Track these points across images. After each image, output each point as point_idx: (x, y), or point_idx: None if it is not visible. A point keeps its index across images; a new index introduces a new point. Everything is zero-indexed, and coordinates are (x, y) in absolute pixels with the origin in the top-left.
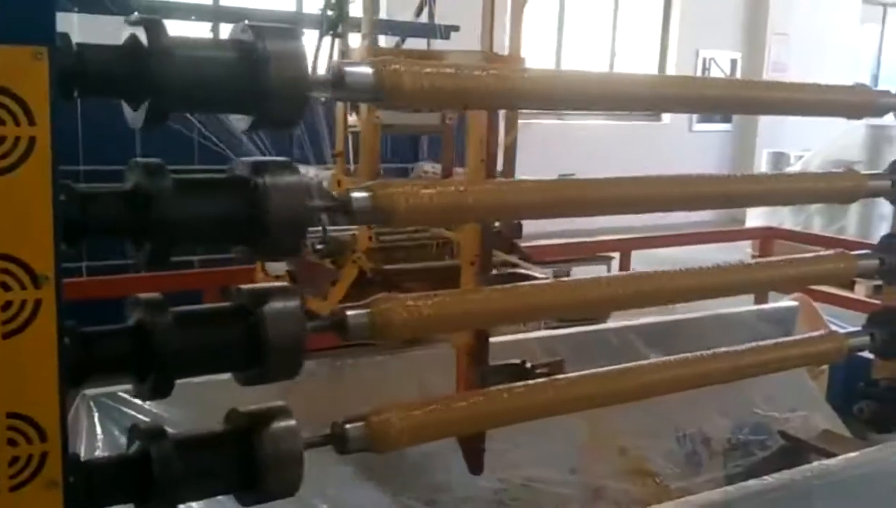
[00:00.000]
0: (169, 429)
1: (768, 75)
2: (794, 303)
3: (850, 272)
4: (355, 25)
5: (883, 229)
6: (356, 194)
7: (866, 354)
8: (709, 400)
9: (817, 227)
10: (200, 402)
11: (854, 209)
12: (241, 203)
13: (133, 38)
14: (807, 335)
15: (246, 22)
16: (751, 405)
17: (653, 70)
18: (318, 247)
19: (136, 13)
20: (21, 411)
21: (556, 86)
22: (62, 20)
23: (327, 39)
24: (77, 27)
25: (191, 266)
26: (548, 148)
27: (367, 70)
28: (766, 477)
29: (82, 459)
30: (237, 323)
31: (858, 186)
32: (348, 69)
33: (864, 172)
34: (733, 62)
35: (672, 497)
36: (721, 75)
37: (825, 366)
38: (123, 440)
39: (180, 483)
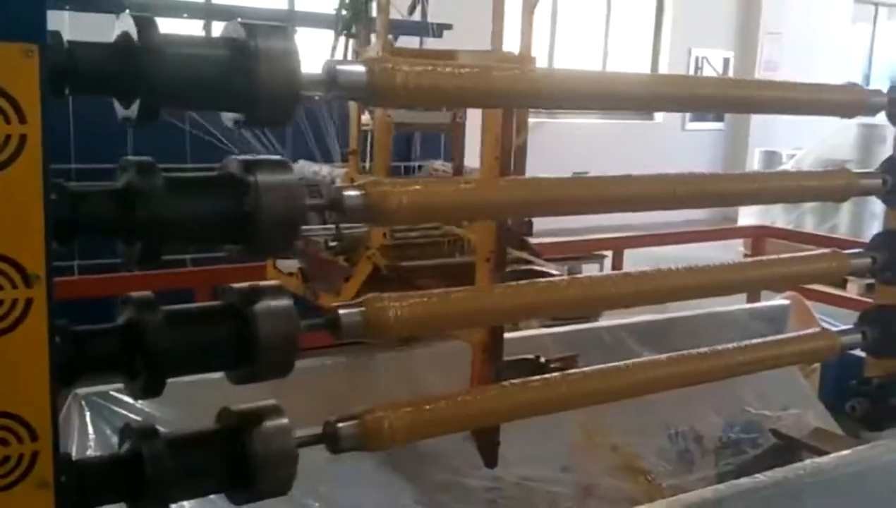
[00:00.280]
0: (161, 428)
1: (760, 74)
2: (787, 302)
3: (842, 270)
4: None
5: (875, 228)
6: (348, 193)
7: (859, 352)
8: (701, 398)
9: (809, 226)
10: (193, 401)
11: (846, 208)
12: (233, 201)
13: (124, 36)
14: (799, 333)
15: (238, 20)
16: (743, 403)
17: (645, 69)
18: (332, 244)
19: (127, 10)
20: (12, 410)
21: (552, 84)
22: (54, 18)
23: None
24: (68, 25)
25: (183, 265)
26: (539, 146)
27: (360, 69)
28: (757, 475)
29: (74, 458)
30: (228, 321)
31: (850, 185)
32: (341, 68)
33: (855, 171)
34: (726, 61)
35: (664, 495)
36: (713, 74)
37: (817, 365)
38: (115, 439)
39: (172, 482)
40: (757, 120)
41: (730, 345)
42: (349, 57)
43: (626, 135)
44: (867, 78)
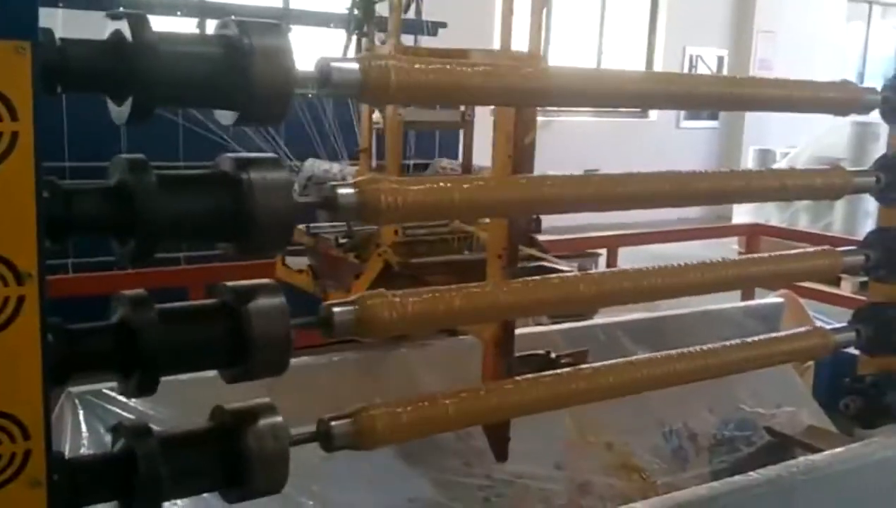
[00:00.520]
0: (155, 427)
1: (755, 72)
2: (780, 300)
3: (836, 268)
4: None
5: (868, 225)
6: (342, 191)
7: (852, 350)
8: (695, 395)
9: (803, 224)
10: (188, 399)
11: (840, 206)
12: (226, 199)
13: (117, 34)
14: (793, 331)
15: (232, 17)
16: (737, 401)
17: (640, 67)
18: (342, 241)
19: (120, 8)
20: (4, 409)
21: (546, 82)
22: (47, 16)
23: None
24: (61, 22)
25: (177, 263)
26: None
27: (354, 66)
28: (751, 473)
29: (67, 457)
30: (222, 320)
31: (844, 183)
32: (335, 65)
33: (849, 169)
34: (720, 59)
35: (658, 493)
36: (708, 73)
37: (811, 362)
38: (109, 438)
39: (165, 480)
40: (751, 118)
41: (724, 343)
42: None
43: (620, 133)
44: (861, 76)
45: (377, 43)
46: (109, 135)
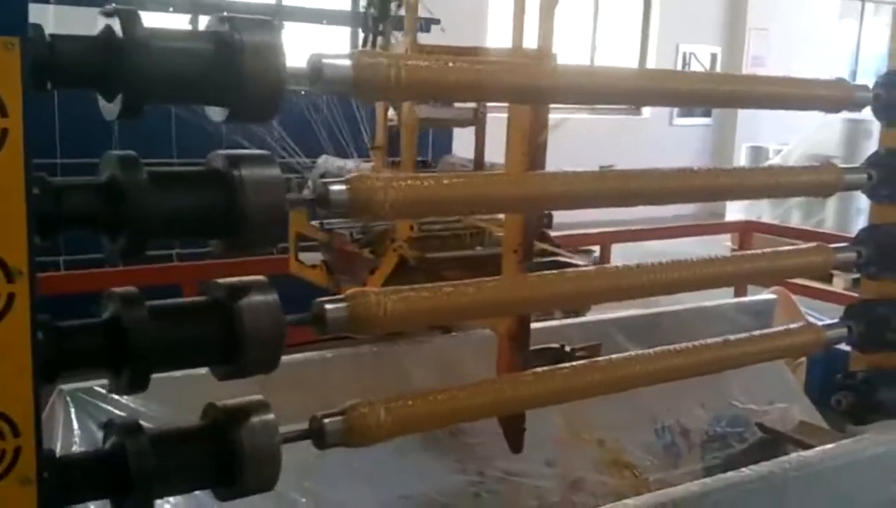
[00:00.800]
0: (147, 424)
1: (748, 70)
2: (773, 296)
3: (828, 265)
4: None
5: (860, 222)
6: (334, 187)
7: (844, 346)
8: (687, 392)
9: (796, 221)
10: (180, 397)
11: (832, 203)
12: (217, 196)
13: (107, 30)
14: (785, 327)
15: (223, 14)
16: (729, 397)
17: (633, 64)
18: (358, 236)
19: (112, 4)
20: None
21: (540, 79)
22: (39, 12)
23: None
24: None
25: (170, 260)
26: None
27: (346, 63)
28: (743, 469)
29: (58, 455)
30: (214, 317)
31: (836, 180)
32: (327, 61)
33: (841, 166)
34: (713, 57)
35: (650, 489)
36: (701, 70)
37: (803, 359)
38: (100, 435)
39: (156, 478)
40: (744, 115)
41: (716, 339)
42: None
43: (614, 130)
44: (854, 74)
45: (393, 41)
46: (102, 133)
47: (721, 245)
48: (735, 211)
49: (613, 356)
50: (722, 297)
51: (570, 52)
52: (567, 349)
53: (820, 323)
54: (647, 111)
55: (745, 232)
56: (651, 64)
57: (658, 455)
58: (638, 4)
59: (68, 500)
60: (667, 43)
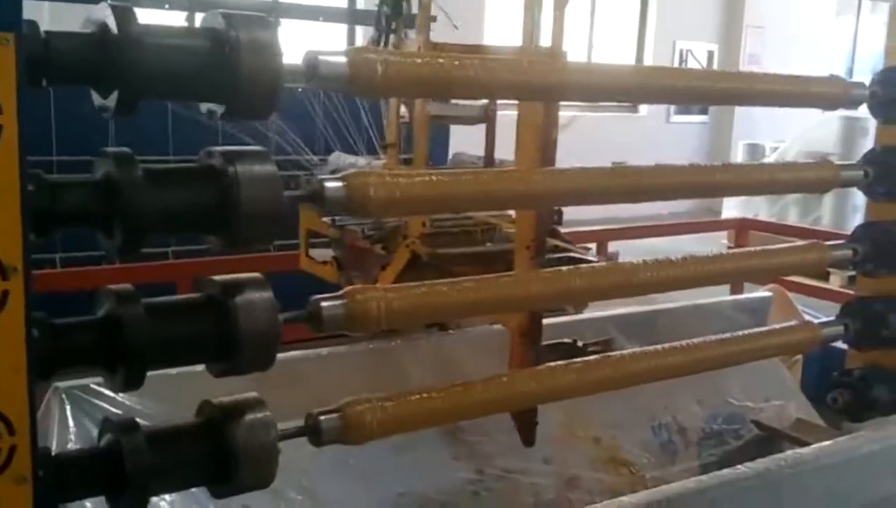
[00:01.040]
0: (143, 421)
1: (744, 67)
2: (769, 294)
3: (824, 262)
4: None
5: (857, 220)
6: (329, 184)
7: (840, 344)
8: (684, 389)
9: (793, 218)
10: (176, 394)
11: (828, 200)
12: (212, 192)
13: (102, 26)
14: (781, 325)
15: (219, 10)
16: (725, 394)
17: (630, 61)
18: (370, 233)
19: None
20: None
21: (535, 76)
22: (34, 9)
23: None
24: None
25: (165, 257)
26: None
27: (341, 59)
28: (739, 466)
29: (54, 452)
30: (209, 314)
31: (832, 177)
32: (323, 58)
33: (837, 163)
34: (710, 54)
35: (647, 486)
36: (697, 67)
37: (800, 356)
38: (96, 432)
39: (152, 475)
40: (741, 112)
41: (712, 337)
42: None
43: (611, 127)
44: (850, 71)
45: (406, 39)
46: (99, 130)
47: (717, 242)
48: (731, 208)
49: (625, 351)
50: (717, 295)
51: (567, 49)
52: (579, 344)
53: (816, 321)
54: (643, 108)
55: (742, 229)
56: (648, 61)
57: (655, 452)
58: (635, 1)
59: (64, 498)
60: (663, 40)
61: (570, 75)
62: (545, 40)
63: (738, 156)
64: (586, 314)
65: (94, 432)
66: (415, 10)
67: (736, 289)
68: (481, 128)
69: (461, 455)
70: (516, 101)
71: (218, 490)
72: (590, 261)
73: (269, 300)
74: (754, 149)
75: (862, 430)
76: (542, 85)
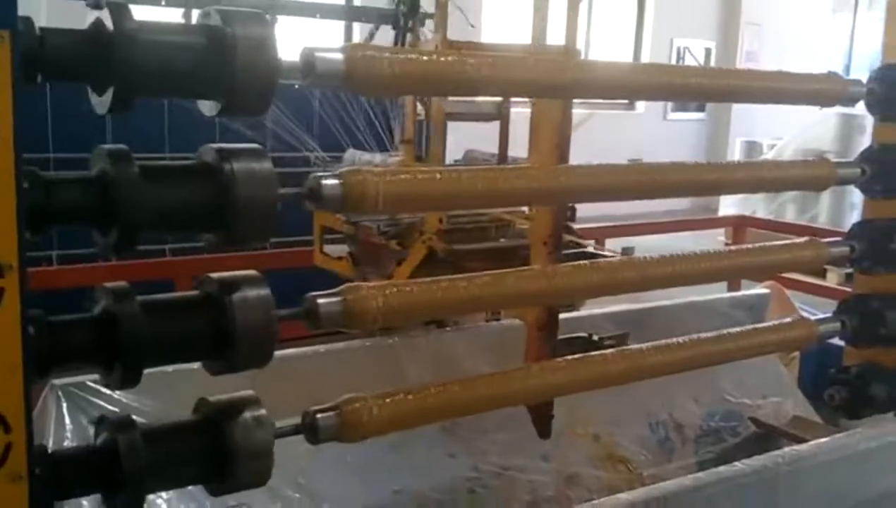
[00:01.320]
0: (139, 419)
1: (741, 65)
2: (766, 291)
3: (821, 259)
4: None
5: (854, 217)
6: (326, 182)
7: (838, 341)
8: (681, 386)
9: (790, 216)
10: (172, 392)
11: (826, 198)
12: (208, 190)
13: (98, 23)
14: (778, 322)
15: (215, 7)
16: (722, 391)
17: (628, 58)
18: (385, 229)
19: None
20: None
21: (530, 74)
22: (31, 5)
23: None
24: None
25: (162, 254)
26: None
27: (338, 56)
28: (736, 463)
29: (50, 450)
30: (206, 311)
31: (829, 175)
32: (319, 55)
33: (834, 160)
34: (707, 51)
35: (644, 484)
36: (695, 65)
37: (797, 353)
38: (93, 430)
39: (148, 473)
40: (738, 110)
41: (710, 334)
42: None
43: (608, 124)
44: (847, 68)
45: (422, 38)
46: (95, 127)
47: (714, 240)
48: (728, 205)
49: (643, 345)
50: (715, 292)
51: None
52: (595, 338)
53: (813, 318)
54: (641, 106)
55: (739, 226)
56: (645, 59)
57: (652, 449)
58: None
59: (60, 496)
60: (661, 37)
61: (573, 74)
62: (547, 39)
63: (736, 153)
64: (583, 311)
65: (91, 429)
66: (427, 8)
67: (733, 286)
68: (481, 126)
69: (458, 453)
70: (528, 99)
71: (214, 488)
72: (607, 257)
73: (266, 297)
74: (752, 147)
75: (859, 427)
76: (541, 84)
